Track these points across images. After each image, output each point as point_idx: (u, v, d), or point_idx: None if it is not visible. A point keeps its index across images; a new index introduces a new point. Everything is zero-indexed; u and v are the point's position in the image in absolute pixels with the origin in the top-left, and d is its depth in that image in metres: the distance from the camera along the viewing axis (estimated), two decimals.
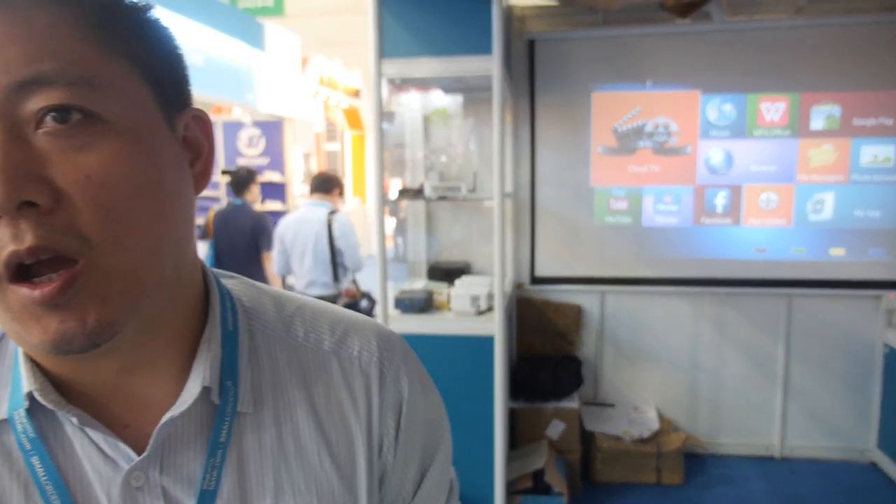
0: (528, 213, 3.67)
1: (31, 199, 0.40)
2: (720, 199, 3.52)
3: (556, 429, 3.33)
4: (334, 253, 3.77)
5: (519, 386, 3.42)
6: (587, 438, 3.44)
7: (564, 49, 3.54)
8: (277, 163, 8.44)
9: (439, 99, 3.41)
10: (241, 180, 4.57)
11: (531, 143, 3.62)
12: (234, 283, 0.61)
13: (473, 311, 2.81)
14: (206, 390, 0.52)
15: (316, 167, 9.93)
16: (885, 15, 3.30)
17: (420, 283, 3.24)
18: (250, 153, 8.54)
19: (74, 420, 0.48)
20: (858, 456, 3.61)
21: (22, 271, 0.41)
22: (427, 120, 3.49)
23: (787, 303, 3.56)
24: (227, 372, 0.54)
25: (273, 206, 8.03)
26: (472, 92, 3.30)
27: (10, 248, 0.40)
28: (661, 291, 3.63)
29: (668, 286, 3.61)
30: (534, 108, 3.59)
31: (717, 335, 3.65)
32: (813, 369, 3.60)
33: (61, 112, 0.42)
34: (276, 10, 10.99)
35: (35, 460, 0.49)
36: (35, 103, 0.41)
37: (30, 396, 0.48)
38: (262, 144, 8.53)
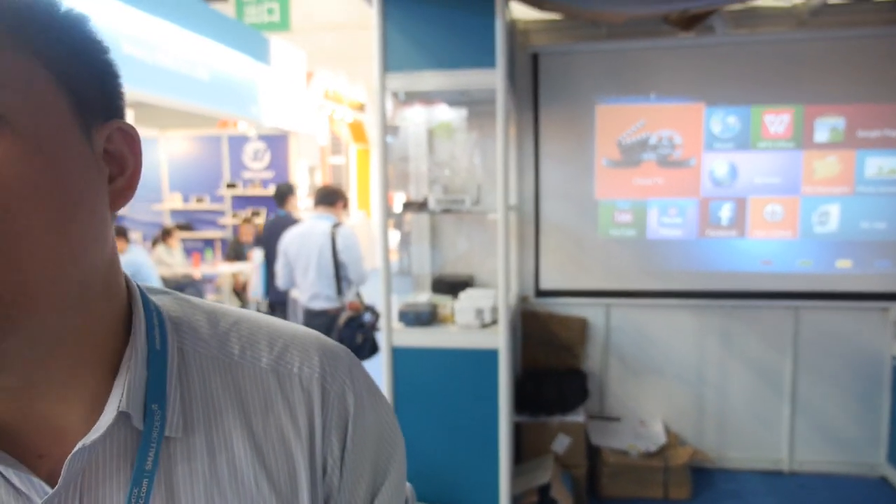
0: (532, 225, 3.67)
1: None
2: (725, 212, 3.51)
3: (561, 443, 3.31)
4: (338, 266, 3.75)
5: (524, 400, 3.40)
6: (593, 453, 3.42)
7: (568, 62, 3.55)
8: (282, 176, 8.47)
9: (444, 113, 3.42)
10: (282, 194, 5.35)
11: (535, 155, 3.62)
12: (166, 298, 0.57)
13: (478, 325, 2.80)
14: (124, 416, 0.48)
15: (321, 181, 9.98)
16: (887, 28, 3.30)
17: (424, 296, 3.23)
18: (255, 167, 8.59)
19: None
20: (868, 470, 3.57)
21: None
22: (431, 133, 3.50)
23: (793, 315, 3.54)
24: (153, 394, 0.50)
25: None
26: (477, 105, 3.31)
27: None
28: (667, 304, 3.61)
29: (673, 299, 3.59)
30: (538, 121, 3.60)
31: (724, 348, 3.63)
32: (821, 382, 3.57)
33: None
34: (283, 24, 11.08)
35: None
36: None
37: None
38: (266, 158, 8.57)
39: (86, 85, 0.46)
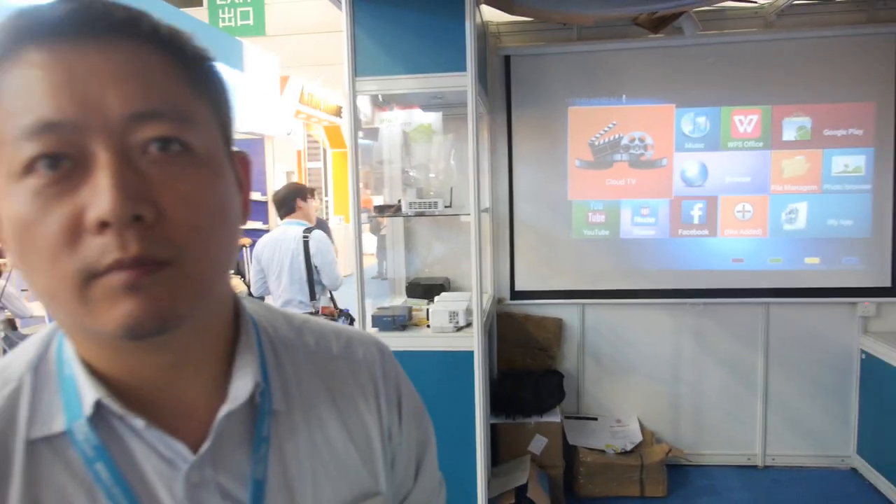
0: (506, 227, 3.68)
1: (141, 214, 0.46)
2: (696, 211, 3.55)
3: (538, 444, 3.32)
4: (311, 271, 3.70)
5: (500, 401, 3.41)
6: (570, 453, 3.44)
7: (540, 64, 3.57)
8: (258, 182, 8.41)
9: (420, 116, 3.42)
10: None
11: (509, 157, 3.64)
12: (246, 301, 0.66)
13: (452, 327, 2.81)
14: (255, 387, 0.58)
15: None
16: (852, 28, 3.37)
17: (399, 300, 3.23)
18: None
19: (140, 424, 0.52)
20: (839, 463, 3.63)
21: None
22: (408, 137, 3.50)
23: (765, 312, 3.59)
24: (261, 375, 0.60)
25: (254, 224, 7.99)
26: (451, 108, 3.32)
27: (116, 255, 0.46)
28: (641, 303, 3.65)
29: (647, 298, 3.63)
30: (511, 123, 3.62)
31: (697, 346, 3.67)
32: (792, 377, 3.63)
33: (164, 142, 0.48)
34: (257, 29, 11.01)
35: (99, 466, 0.52)
36: (145, 133, 0.48)
37: (97, 404, 0.52)
38: None
39: (227, 119, 0.57)
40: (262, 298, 4.28)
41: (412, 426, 0.71)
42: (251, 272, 3.94)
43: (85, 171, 0.46)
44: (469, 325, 2.82)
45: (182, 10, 6.23)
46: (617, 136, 3.56)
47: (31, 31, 0.47)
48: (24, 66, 0.47)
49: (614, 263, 3.63)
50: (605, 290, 3.65)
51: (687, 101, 3.51)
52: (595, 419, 3.71)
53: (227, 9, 11.01)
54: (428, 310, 2.92)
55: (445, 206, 3.01)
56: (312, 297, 3.70)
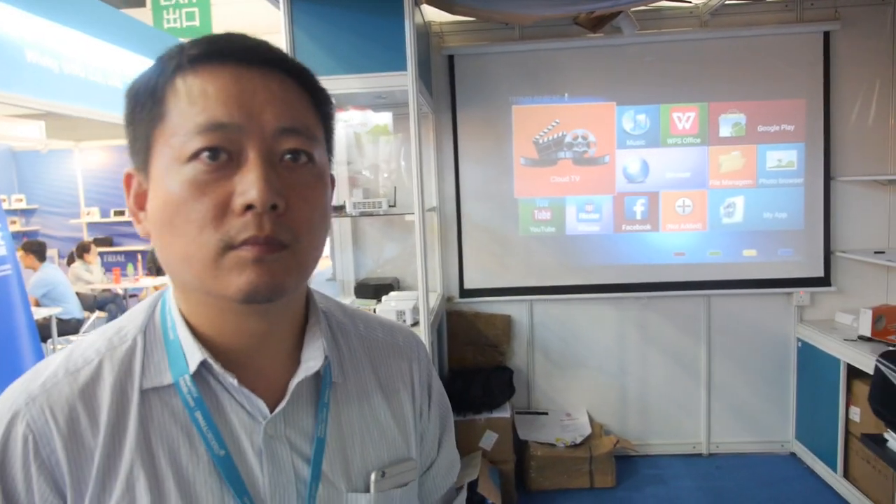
0: (454, 226, 3.70)
1: (276, 204, 0.59)
2: (639, 207, 3.63)
3: (489, 440, 3.35)
4: None
5: (451, 399, 3.40)
6: (521, 447, 3.47)
7: (483, 63, 3.60)
8: None
9: (376, 117, 3.41)
10: None
11: (455, 156, 3.66)
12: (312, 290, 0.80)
13: None
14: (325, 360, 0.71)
15: None
16: (782, 28, 3.49)
17: (347, 301, 3.21)
18: None
19: (234, 382, 0.65)
20: (779, 448, 3.76)
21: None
22: (360, 138, 3.48)
23: (706, 304, 3.69)
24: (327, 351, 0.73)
25: None
26: (401, 108, 3.31)
27: (253, 232, 0.59)
28: (587, 298, 3.71)
29: (593, 293, 3.69)
30: (456, 122, 3.64)
31: (642, 338, 3.75)
32: (734, 367, 3.74)
33: (295, 154, 0.63)
34: (204, 29, 10.80)
35: (198, 415, 0.65)
36: (285, 144, 0.62)
37: (202, 364, 0.65)
38: None
39: (332, 145, 0.71)
40: None
41: (437, 407, 0.84)
42: None
43: (237, 166, 0.60)
44: (417, 323, 2.83)
45: (123, 10, 6.08)
46: (560, 133, 3.61)
47: (218, 52, 0.62)
48: (208, 78, 0.61)
49: (561, 260, 3.68)
50: (553, 286, 3.70)
51: (627, 99, 3.58)
52: (545, 413, 3.75)
53: (171, 10, 10.79)
54: (375, 309, 2.91)
55: (390, 206, 3.01)
56: None
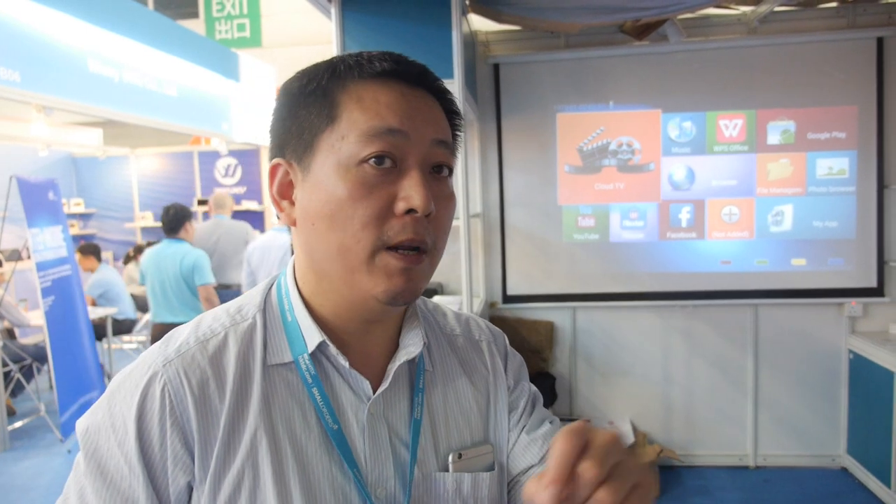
0: (498, 232, 3.74)
1: (431, 212, 0.66)
2: (684, 214, 3.61)
3: None
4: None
5: None
6: None
7: (528, 72, 3.64)
8: (254, 191, 8.46)
9: None
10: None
11: (499, 164, 3.70)
12: None
13: None
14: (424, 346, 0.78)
15: None
16: (833, 34, 3.44)
17: None
18: (227, 182, 8.57)
19: (345, 363, 0.71)
20: (829, 462, 3.67)
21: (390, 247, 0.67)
22: None
23: (753, 313, 3.64)
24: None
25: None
26: None
27: (410, 235, 0.66)
28: (631, 306, 3.70)
29: (637, 300, 3.67)
30: (500, 130, 3.68)
31: (688, 347, 3.72)
32: (781, 378, 3.67)
33: (440, 167, 0.70)
34: (254, 41, 11.09)
35: (315, 391, 0.71)
36: (435, 158, 0.69)
37: (320, 345, 0.71)
38: (238, 173, 8.56)
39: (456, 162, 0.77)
40: None
41: (522, 380, 0.89)
42: (242, 273, 4.29)
43: (398, 173, 0.66)
44: None
45: (178, 22, 6.31)
46: (605, 141, 3.62)
47: (395, 72, 0.68)
48: (381, 90, 0.67)
49: (604, 267, 3.68)
50: (596, 293, 3.70)
51: (673, 107, 3.57)
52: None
53: (223, 21, 11.11)
54: None
55: None
56: None
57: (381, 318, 0.74)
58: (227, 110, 6.51)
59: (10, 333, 5.28)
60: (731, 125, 3.56)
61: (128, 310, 5.92)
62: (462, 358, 0.84)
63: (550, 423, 0.88)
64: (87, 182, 8.77)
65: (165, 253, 4.15)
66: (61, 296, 4.71)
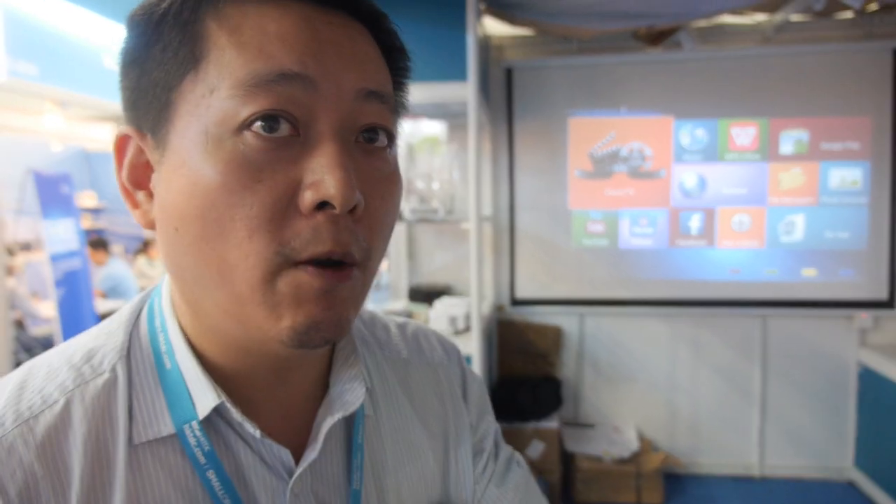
0: (507, 236, 3.74)
1: (357, 205, 0.43)
2: (694, 222, 3.60)
3: (535, 449, 3.36)
4: None
5: (499, 406, 3.44)
6: (567, 459, 3.47)
7: (541, 76, 3.64)
8: None
9: (426, 128, 3.49)
10: None
11: (510, 167, 3.70)
12: None
13: (451, 331, 2.86)
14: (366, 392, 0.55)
15: None
16: (848, 44, 3.43)
17: (400, 305, 3.28)
18: None
19: (256, 432, 0.48)
20: (836, 475, 3.64)
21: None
22: (414, 147, 3.56)
23: (762, 323, 3.62)
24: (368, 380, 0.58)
25: None
26: (455, 118, 3.39)
27: (328, 246, 0.42)
28: (639, 312, 3.69)
29: (645, 307, 3.67)
30: (512, 134, 3.69)
31: (695, 355, 3.70)
32: (789, 388, 3.65)
33: (372, 132, 0.46)
34: None
35: (211, 474, 0.47)
36: (364, 117, 0.46)
37: (217, 409, 0.48)
38: None
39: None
40: None
41: (486, 413, 0.70)
42: None
43: (303, 143, 0.43)
44: (468, 329, 2.87)
45: None
46: (616, 146, 3.61)
47: None
48: (270, 14, 0.43)
49: (613, 272, 3.68)
50: (604, 298, 3.69)
51: (685, 114, 3.56)
52: (592, 426, 3.74)
53: None
54: (428, 314, 2.97)
55: (447, 214, 3.06)
56: None
57: (296, 364, 0.51)
58: None
59: (19, 324, 5.33)
60: (744, 133, 3.55)
61: None
62: (412, 392, 0.62)
63: (518, 465, 0.69)
64: (99, 176, 8.85)
65: None
66: (71, 289, 4.75)
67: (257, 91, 0.41)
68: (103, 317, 5.44)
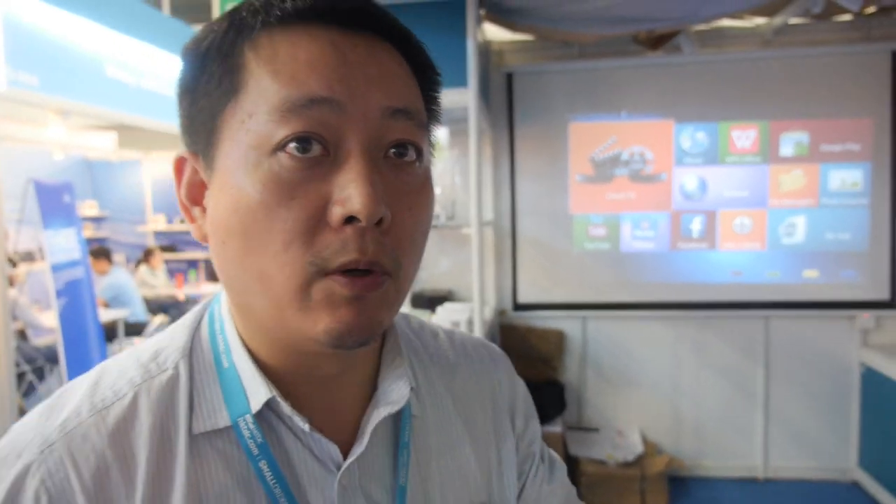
0: (509, 240, 3.74)
1: (383, 218, 0.46)
2: (696, 225, 3.60)
3: None
4: None
5: None
6: (571, 463, 3.46)
7: (542, 81, 3.65)
8: None
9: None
10: None
11: (511, 172, 3.71)
12: None
13: None
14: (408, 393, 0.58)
15: None
16: (847, 46, 3.44)
17: (403, 311, 3.28)
18: None
19: (305, 426, 0.51)
20: (840, 476, 3.64)
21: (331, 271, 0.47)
22: None
23: (764, 325, 3.63)
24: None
25: None
26: (455, 124, 3.40)
27: (354, 255, 0.46)
28: (642, 316, 3.69)
29: (647, 310, 3.67)
30: (513, 139, 3.69)
31: (698, 358, 3.71)
32: (792, 390, 3.65)
33: (402, 148, 0.49)
34: None
35: (263, 464, 0.51)
36: (392, 134, 0.48)
37: (269, 403, 0.51)
38: None
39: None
40: None
41: (532, 418, 0.73)
42: None
43: (333, 162, 0.46)
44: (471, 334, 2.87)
45: (192, 26, 6.36)
46: (617, 150, 3.62)
47: (318, 11, 0.48)
48: (300, 42, 0.47)
49: (615, 276, 3.68)
50: (607, 302, 3.70)
51: (686, 117, 3.57)
52: (596, 430, 3.74)
53: None
54: (430, 320, 2.97)
55: (448, 219, 3.07)
56: None
57: (344, 365, 0.54)
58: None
59: (22, 335, 5.33)
60: (744, 136, 3.56)
61: (139, 312, 5.96)
62: (457, 396, 0.64)
63: (560, 465, 0.75)
64: (100, 185, 8.86)
65: None
66: (73, 298, 4.75)
67: (290, 115, 0.45)
68: (106, 326, 5.45)
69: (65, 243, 4.78)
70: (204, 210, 0.52)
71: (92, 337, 4.93)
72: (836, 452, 3.64)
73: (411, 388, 0.58)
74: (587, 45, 3.62)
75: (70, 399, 0.51)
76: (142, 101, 5.34)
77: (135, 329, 5.96)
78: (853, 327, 3.57)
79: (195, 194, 0.52)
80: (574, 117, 3.65)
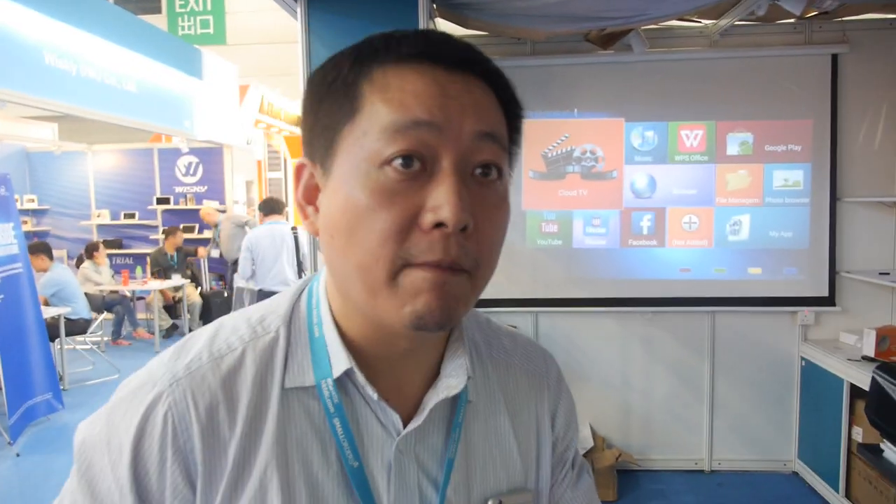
0: None
1: (467, 226, 0.54)
2: (645, 222, 3.66)
3: None
4: (299, 257, 5.08)
5: None
6: None
7: None
8: (216, 190, 8.32)
9: None
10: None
11: None
12: None
13: None
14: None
15: (258, 195, 9.84)
16: (790, 49, 3.54)
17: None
18: (188, 181, 8.41)
19: (374, 395, 0.62)
20: (781, 467, 3.76)
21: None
22: None
23: (710, 320, 3.71)
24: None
25: (210, 234, 7.88)
26: None
27: (438, 255, 0.54)
28: (592, 311, 3.73)
29: (598, 306, 3.72)
30: None
31: (647, 353, 3.77)
32: (737, 384, 3.75)
33: (486, 168, 0.58)
34: (218, 38, 10.94)
35: (336, 421, 0.62)
36: (479, 155, 0.57)
37: (347, 372, 0.62)
38: (199, 172, 8.40)
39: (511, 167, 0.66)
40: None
41: (572, 425, 0.81)
42: (242, 260, 5.13)
43: (429, 176, 0.55)
44: None
45: (140, 17, 6.16)
46: (569, 148, 3.65)
47: (428, 54, 0.57)
48: (409, 77, 0.56)
49: (567, 273, 3.71)
50: (558, 298, 3.73)
51: (636, 116, 3.63)
52: None
53: (186, 17, 10.93)
54: None
55: None
56: (299, 276, 4.76)
57: (416, 345, 0.64)
58: (190, 108, 6.40)
59: None
60: (692, 135, 3.63)
61: (82, 309, 5.76)
62: (508, 392, 0.74)
63: (588, 473, 0.83)
64: (41, 178, 8.52)
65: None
66: (10, 295, 4.57)
67: (397, 135, 0.55)
68: (47, 324, 5.24)
69: (1, 238, 4.58)
70: (317, 209, 0.62)
71: (32, 333, 4.74)
72: (777, 444, 3.76)
73: (468, 378, 0.67)
74: (539, 42, 3.63)
75: (194, 346, 0.64)
76: (83, 91, 5.14)
77: (77, 327, 5.76)
78: (794, 323, 3.68)
79: (310, 196, 0.62)
80: (526, 114, 3.62)
